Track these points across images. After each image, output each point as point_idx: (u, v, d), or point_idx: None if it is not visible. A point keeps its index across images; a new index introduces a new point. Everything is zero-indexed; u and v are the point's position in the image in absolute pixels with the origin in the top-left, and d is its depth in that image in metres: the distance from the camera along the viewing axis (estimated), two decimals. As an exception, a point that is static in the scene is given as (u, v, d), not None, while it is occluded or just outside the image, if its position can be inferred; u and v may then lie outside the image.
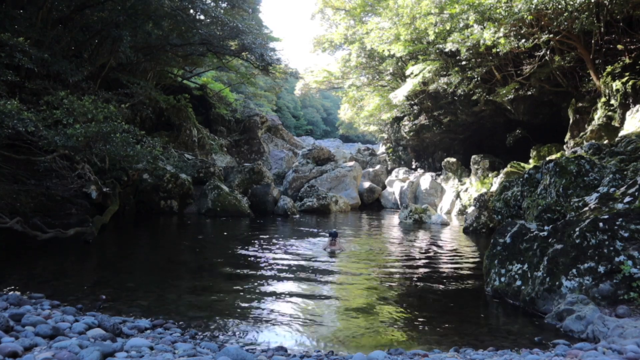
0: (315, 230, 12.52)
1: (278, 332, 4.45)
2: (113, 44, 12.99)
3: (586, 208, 5.99)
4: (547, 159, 10.96)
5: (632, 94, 11.94)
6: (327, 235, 9.27)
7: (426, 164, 24.89)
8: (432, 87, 20.36)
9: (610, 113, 12.84)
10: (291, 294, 5.81)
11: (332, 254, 8.57)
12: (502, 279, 5.69)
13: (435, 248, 9.90)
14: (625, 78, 12.29)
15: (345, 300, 5.63)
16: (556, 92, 16.26)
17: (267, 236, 10.85)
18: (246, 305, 5.24)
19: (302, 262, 7.80)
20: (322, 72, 30.56)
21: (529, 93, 16.71)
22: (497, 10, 12.68)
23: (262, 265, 7.53)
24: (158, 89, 17.02)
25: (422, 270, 7.56)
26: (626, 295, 4.52)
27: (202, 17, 17.01)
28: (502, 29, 13.38)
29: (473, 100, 19.35)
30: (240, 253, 8.55)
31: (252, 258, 8.07)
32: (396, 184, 22.32)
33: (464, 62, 17.60)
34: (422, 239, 11.35)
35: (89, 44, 13.41)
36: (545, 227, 5.80)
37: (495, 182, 16.55)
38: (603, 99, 13.17)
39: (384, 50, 19.26)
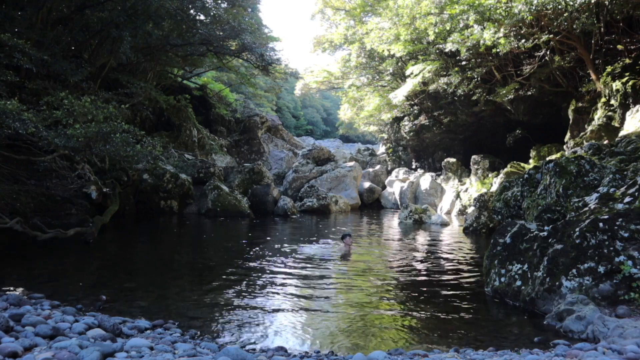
0: (316, 230, 12.51)
1: (278, 332, 4.45)
2: (113, 44, 12.99)
3: (586, 208, 5.98)
4: (547, 159, 10.96)
5: (632, 94, 11.94)
6: (341, 238, 9.37)
7: (426, 164, 24.88)
8: (432, 87, 20.35)
9: (610, 113, 12.84)
10: (291, 294, 5.81)
11: (345, 255, 8.65)
12: (502, 279, 5.69)
13: (435, 248, 9.89)
14: (625, 78, 12.29)
15: (345, 301, 5.63)
16: (556, 92, 16.26)
17: (267, 236, 10.85)
18: (246, 305, 5.24)
19: (302, 263, 7.80)
20: (322, 72, 30.54)
21: (529, 93, 16.71)
22: (497, 11, 12.68)
23: (262, 265, 7.53)
24: (158, 89, 17.02)
25: (422, 270, 7.56)
26: (626, 295, 4.52)
27: (202, 17, 17.02)
28: (502, 29, 13.37)
29: (473, 101, 19.34)
30: (240, 253, 8.55)
31: (252, 258, 8.07)
32: (396, 184, 22.32)
33: (464, 62, 17.60)
34: (422, 239, 11.35)
35: (89, 44, 13.40)
36: (545, 227, 5.80)
37: (495, 182, 16.55)
38: (603, 99, 13.17)
39: (384, 50, 19.26)
